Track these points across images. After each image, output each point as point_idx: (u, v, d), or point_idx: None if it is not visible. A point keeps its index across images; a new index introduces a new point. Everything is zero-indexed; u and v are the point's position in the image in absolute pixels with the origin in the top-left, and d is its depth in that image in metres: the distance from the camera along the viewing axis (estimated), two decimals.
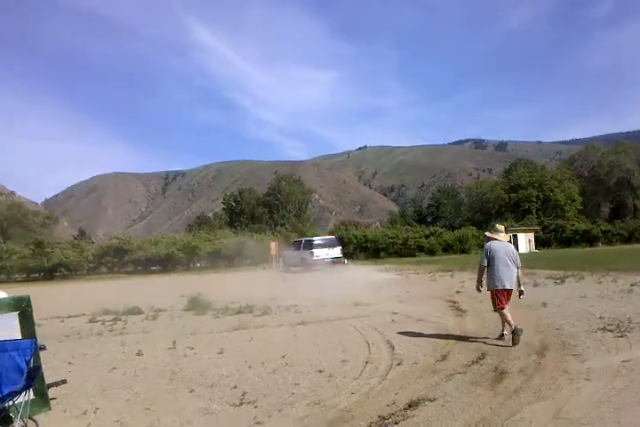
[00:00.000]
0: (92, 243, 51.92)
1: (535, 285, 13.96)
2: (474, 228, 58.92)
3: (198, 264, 47.71)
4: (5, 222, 65.14)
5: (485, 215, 67.50)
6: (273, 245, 36.16)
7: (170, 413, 4.58)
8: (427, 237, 51.85)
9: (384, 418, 4.24)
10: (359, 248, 49.70)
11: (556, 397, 4.64)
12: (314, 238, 31.17)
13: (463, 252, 50.28)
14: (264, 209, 73.11)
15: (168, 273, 38.53)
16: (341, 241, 45.72)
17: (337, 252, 29.12)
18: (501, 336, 7.34)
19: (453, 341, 7.34)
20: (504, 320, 7.27)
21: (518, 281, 7.51)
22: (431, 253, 49.51)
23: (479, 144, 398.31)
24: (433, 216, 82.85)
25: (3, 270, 40.07)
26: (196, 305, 12.60)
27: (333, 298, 13.56)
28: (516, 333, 6.91)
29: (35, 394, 4.60)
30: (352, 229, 55.28)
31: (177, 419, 4.41)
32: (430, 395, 4.83)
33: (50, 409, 4.65)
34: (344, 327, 8.88)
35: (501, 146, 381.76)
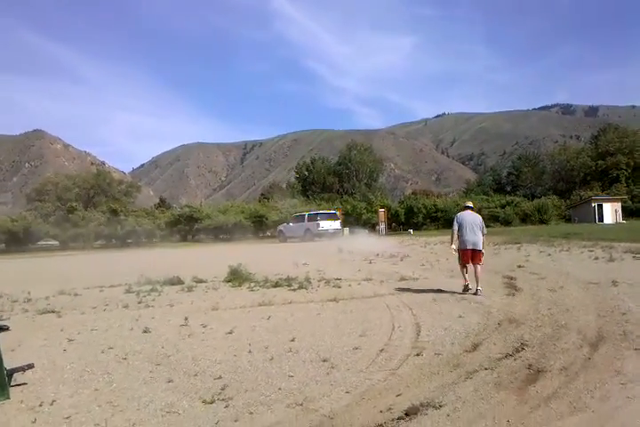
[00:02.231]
0: (164, 211, 53.35)
1: (610, 259, 12.46)
2: (555, 197, 55.62)
3: (268, 233, 47.97)
4: (92, 191, 68.31)
5: (569, 184, 63.58)
6: (382, 213, 35.90)
7: (130, 409, 3.98)
8: (502, 206, 49.40)
9: None
10: (429, 218, 48.10)
11: (598, 409, 3.62)
12: (319, 211, 35.84)
13: (542, 222, 47.53)
14: (335, 178, 72.28)
15: (236, 241, 38.92)
16: (411, 210, 44.54)
17: (338, 224, 33.73)
18: (464, 289, 8.96)
19: (494, 325, 6.33)
20: (462, 275, 9.11)
21: (482, 244, 9.08)
22: (507, 223, 47.17)
23: (567, 109, 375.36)
24: (512, 185, 78.88)
25: (81, 237, 42.06)
26: (237, 276, 12.16)
27: (381, 273, 12.76)
28: (466, 288, 8.94)
29: None
30: (422, 199, 53.48)
31: (132, 418, 3.80)
32: (439, 399, 3.94)
33: (8, 398, 4.20)
34: (377, 305, 8.04)
35: (591, 111, 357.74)
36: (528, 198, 56.81)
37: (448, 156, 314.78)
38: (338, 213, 37.68)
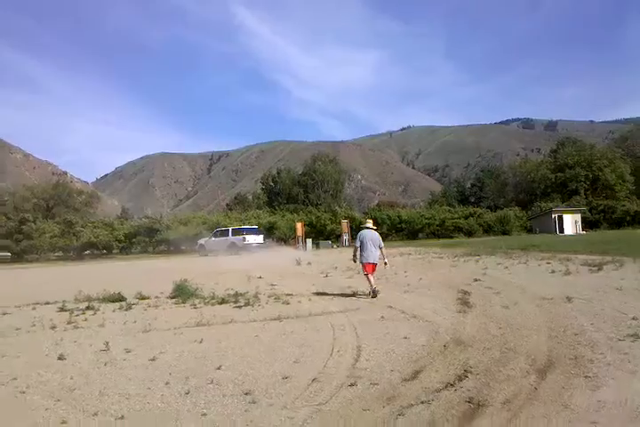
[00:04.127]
0: (123, 222, 51.85)
1: (566, 273, 12.26)
2: (517, 208, 56.38)
3: None
4: (51, 201, 66.18)
5: (530, 195, 64.55)
6: (299, 225, 35.22)
7: None
8: (466, 217, 49.75)
9: None
10: (394, 229, 48.03)
11: None
12: (243, 227, 37.51)
13: (504, 233, 48.02)
14: (300, 189, 71.87)
15: (197, 253, 37.96)
16: (375, 222, 44.26)
17: (261, 239, 35.73)
18: (373, 292, 10.16)
19: (439, 348, 5.90)
20: (368, 282, 10.40)
21: (383, 256, 10.75)
22: (470, 234, 47.52)
23: (527, 124, 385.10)
24: (476, 196, 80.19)
25: (34, 249, 40.44)
26: (182, 292, 11.50)
27: (334, 287, 12.33)
28: (374, 292, 10.16)
29: None
30: (385, 210, 53.47)
31: None
32: None
33: None
34: (322, 325, 7.54)
35: (551, 125, 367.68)
36: (491, 209, 57.42)
37: (414, 167, 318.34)
38: (260, 228, 39.92)
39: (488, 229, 49.17)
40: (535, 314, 7.66)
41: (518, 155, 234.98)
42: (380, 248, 10.68)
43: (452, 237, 45.29)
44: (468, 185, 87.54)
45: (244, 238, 33.98)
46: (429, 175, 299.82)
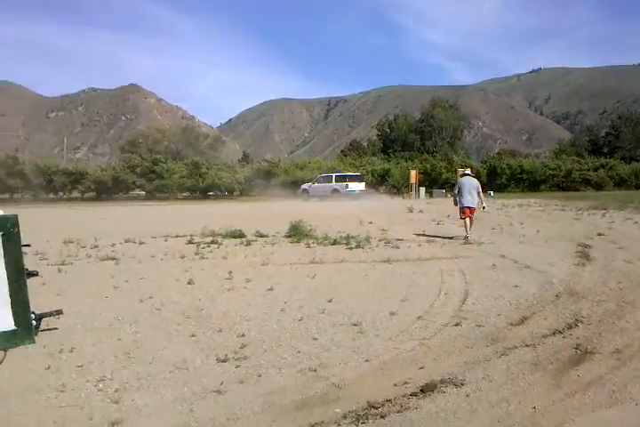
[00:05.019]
0: (244, 165, 54.18)
1: None
2: None
3: None
4: (180, 144, 70.78)
5: None
6: (413, 173, 34.75)
7: (143, 362, 3.94)
8: (595, 169, 46.14)
9: (373, 406, 3.16)
10: (513, 179, 45.82)
11: None
12: (346, 173, 37.39)
13: (639, 188, 44.05)
14: (417, 136, 70.24)
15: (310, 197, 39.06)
16: (494, 171, 42.83)
17: (363, 186, 35.24)
18: (465, 238, 10.97)
19: (551, 297, 5.80)
20: (465, 226, 11.17)
21: (481, 201, 11.49)
22: (599, 187, 44.16)
23: None
24: (610, 147, 73.32)
25: (165, 188, 43.84)
26: (297, 232, 12.08)
27: (446, 235, 12.29)
28: (466, 238, 10.94)
29: (16, 324, 4.24)
30: (507, 159, 50.90)
31: (141, 371, 3.75)
32: (463, 376, 3.60)
33: (33, 342, 4.26)
34: (430, 270, 7.65)
35: None
36: (626, 161, 52.67)
37: (542, 114, 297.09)
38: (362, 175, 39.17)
39: (620, 183, 45.39)
40: None
41: None
42: (478, 193, 11.39)
43: (578, 190, 42.46)
44: (602, 134, 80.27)
45: (347, 185, 34.16)
46: (559, 123, 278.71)
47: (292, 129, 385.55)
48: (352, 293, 6.18)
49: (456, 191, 11.59)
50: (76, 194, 46.37)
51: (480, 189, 11.49)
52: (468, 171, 12.32)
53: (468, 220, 11.10)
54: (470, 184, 11.38)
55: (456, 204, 11.67)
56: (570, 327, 4.70)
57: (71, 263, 8.49)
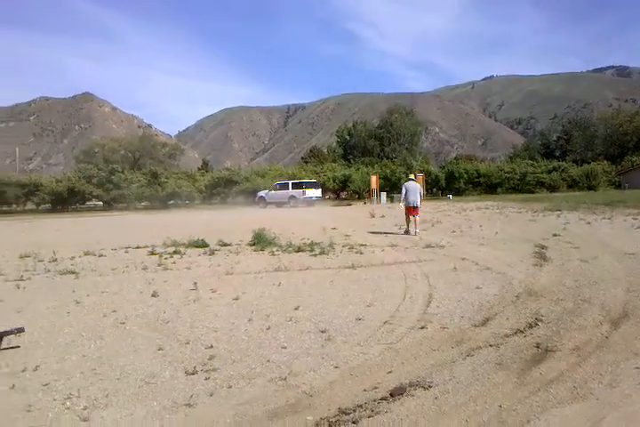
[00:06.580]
0: (204, 174, 53.67)
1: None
2: (606, 162, 53.24)
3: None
4: (137, 153, 69.55)
5: (621, 149, 60.71)
6: (373, 178, 35.14)
7: (110, 378, 3.86)
8: (549, 172, 47.66)
9: (344, 412, 3.19)
10: (471, 183, 46.88)
11: (603, 397, 3.29)
12: (303, 180, 38.90)
13: (590, 189, 45.68)
14: (375, 142, 71.03)
15: (272, 205, 38.99)
16: (452, 175, 43.71)
17: (319, 193, 36.99)
18: (405, 232, 13.47)
19: (511, 298, 5.97)
20: (406, 222, 13.73)
21: (420, 200, 13.52)
22: (553, 189, 45.62)
23: (622, 72, 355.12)
24: (562, 150, 75.81)
25: (123, 198, 43.01)
26: (261, 240, 12.04)
27: (408, 239, 12.45)
28: (407, 231, 13.49)
29: None
30: (464, 164, 52.04)
31: (109, 387, 3.68)
32: (431, 378, 3.67)
33: None
34: (394, 274, 7.75)
35: None
36: (577, 164, 54.54)
37: (496, 120, 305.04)
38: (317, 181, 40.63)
39: (573, 185, 46.97)
40: (615, 268, 7.49)
41: (611, 106, 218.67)
42: (420, 195, 13.57)
43: (533, 192, 43.73)
44: (554, 138, 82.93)
45: (304, 192, 35.07)
46: (512, 128, 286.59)
47: (252, 136, 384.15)
48: (318, 300, 6.21)
49: (403, 193, 13.60)
50: (30, 206, 45.00)
51: (422, 192, 13.92)
52: (412, 176, 14.63)
53: (412, 218, 13.42)
54: (415, 187, 13.59)
55: (402, 204, 13.66)
56: (530, 327, 4.85)
57: (29, 278, 8.24)
